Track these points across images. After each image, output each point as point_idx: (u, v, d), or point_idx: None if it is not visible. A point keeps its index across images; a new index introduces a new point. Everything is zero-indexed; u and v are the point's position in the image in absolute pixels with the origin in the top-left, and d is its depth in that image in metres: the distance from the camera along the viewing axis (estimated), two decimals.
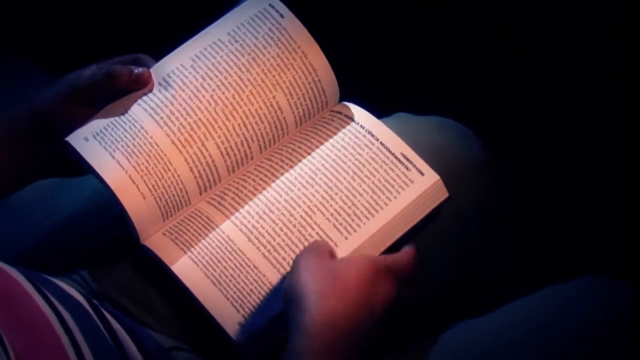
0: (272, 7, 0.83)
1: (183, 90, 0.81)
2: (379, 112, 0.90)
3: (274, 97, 0.82)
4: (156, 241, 0.80)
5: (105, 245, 0.86)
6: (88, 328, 0.70)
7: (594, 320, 0.75)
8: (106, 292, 0.82)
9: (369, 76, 1.26)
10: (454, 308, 0.87)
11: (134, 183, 0.78)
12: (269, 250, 0.79)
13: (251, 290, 0.77)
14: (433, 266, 0.86)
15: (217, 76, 0.81)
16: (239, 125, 0.81)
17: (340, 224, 0.79)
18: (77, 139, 0.80)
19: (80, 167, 0.80)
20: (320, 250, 0.72)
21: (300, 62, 0.82)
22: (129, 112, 0.81)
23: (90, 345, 0.68)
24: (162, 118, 0.80)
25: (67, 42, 1.38)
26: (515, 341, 0.75)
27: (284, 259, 0.78)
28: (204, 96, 0.81)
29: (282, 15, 0.82)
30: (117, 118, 0.80)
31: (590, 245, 1.19)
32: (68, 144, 0.80)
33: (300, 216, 0.80)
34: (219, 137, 0.81)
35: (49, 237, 0.89)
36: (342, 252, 0.78)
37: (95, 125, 0.80)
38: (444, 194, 0.82)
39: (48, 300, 0.68)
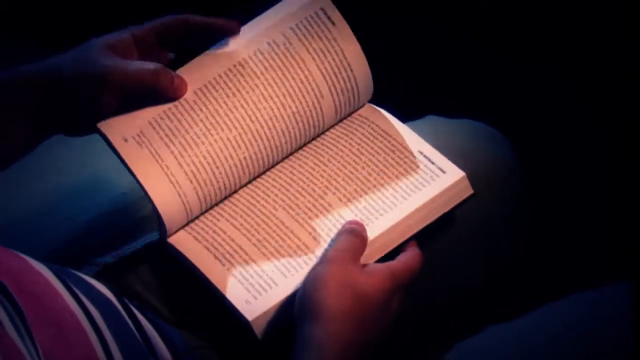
0: (324, 12, 0.81)
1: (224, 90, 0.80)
2: (409, 114, 0.90)
3: (312, 102, 0.81)
4: (180, 239, 0.80)
5: (134, 243, 0.86)
6: (117, 326, 0.70)
7: (626, 326, 0.75)
8: (135, 290, 0.82)
9: (400, 78, 1.26)
10: (483, 312, 0.87)
11: (171, 182, 0.77)
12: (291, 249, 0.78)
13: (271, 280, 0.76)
14: (462, 271, 0.86)
15: (253, 80, 0.80)
16: (281, 128, 0.81)
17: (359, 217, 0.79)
18: (115, 137, 0.77)
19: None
20: (340, 259, 0.73)
21: (345, 74, 0.81)
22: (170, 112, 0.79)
23: (119, 343, 0.68)
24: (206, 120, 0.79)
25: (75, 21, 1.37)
26: (546, 346, 0.75)
27: (309, 255, 0.78)
28: (249, 98, 0.80)
29: (333, 23, 0.81)
30: (156, 118, 0.78)
31: (613, 249, 1.17)
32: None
33: (316, 209, 0.80)
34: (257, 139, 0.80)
35: (79, 234, 0.89)
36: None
37: (134, 124, 0.78)
38: (468, 191, 0.81)
39: (77, 298, 0.68)
